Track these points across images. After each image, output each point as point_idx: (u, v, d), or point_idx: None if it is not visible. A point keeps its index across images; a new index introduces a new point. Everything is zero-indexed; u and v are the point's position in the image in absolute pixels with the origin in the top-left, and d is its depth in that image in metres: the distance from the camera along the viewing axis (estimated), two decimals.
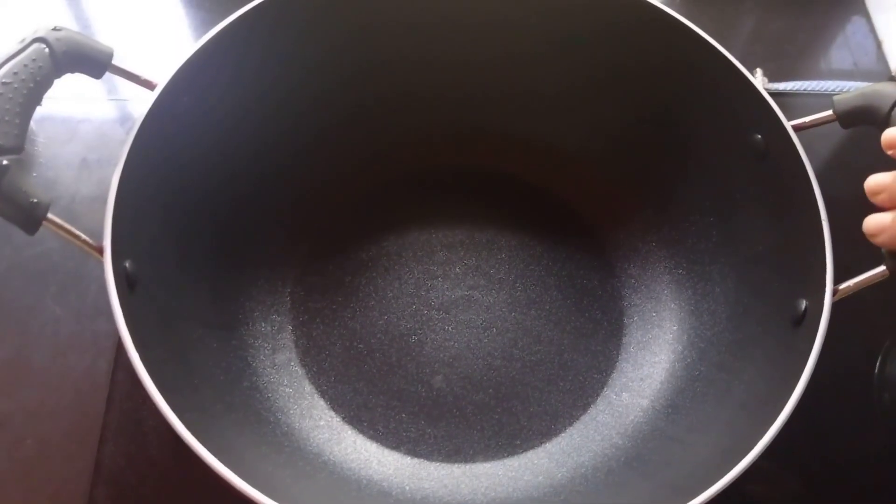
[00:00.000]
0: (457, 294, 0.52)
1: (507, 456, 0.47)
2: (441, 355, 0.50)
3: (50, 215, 0.37)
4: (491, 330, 0.51)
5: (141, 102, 0.42)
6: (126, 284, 0.38)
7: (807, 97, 0.61)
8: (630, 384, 0.49)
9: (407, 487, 0.45)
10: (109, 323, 0.47)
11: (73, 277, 0.52)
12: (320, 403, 0.48)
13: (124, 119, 0.59)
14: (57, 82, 0.38)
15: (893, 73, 0.63)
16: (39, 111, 0.38)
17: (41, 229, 0.37)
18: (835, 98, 0.42)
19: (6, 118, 0.36)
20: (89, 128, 0.58)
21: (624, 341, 0.51)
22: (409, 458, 0.47)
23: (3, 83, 0.36)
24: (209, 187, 0.47)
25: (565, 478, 0.46)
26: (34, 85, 0.37)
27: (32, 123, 0.37)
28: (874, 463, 0.49)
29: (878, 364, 0.51)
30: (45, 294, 0.51)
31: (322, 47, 0.50)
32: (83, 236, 0.38)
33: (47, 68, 0.37)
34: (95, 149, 0.57)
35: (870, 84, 0.41)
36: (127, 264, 0.39)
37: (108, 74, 0.41)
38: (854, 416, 0.50)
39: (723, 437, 0.41)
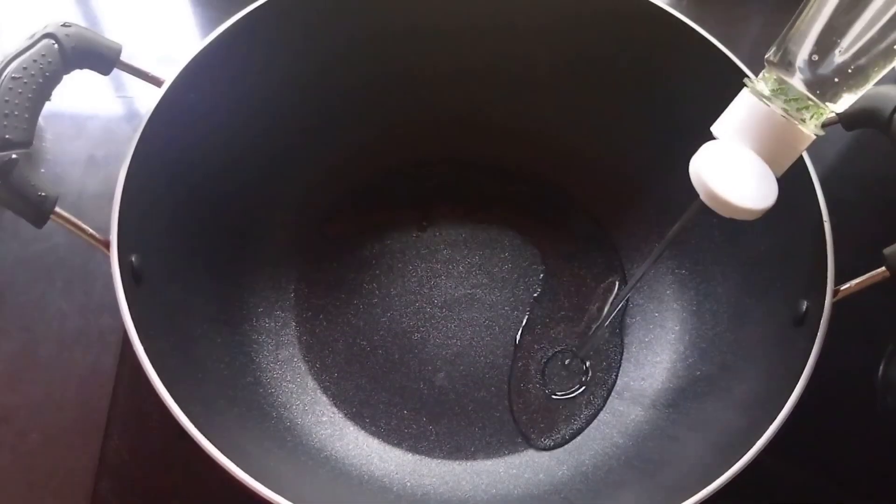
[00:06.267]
0: (459, 292, 0.52)
1: (508, 454, 0.47)
2: (443, 353, 0.50)
3: (58, 209, 0.37)
4: (493, 328, 0.51)
5: (147, 100, 0.42)
6: (132, 278, 0.39)
7: None
8: (631, 383, 0.49)
9: (408, 483, 0.46)
10: (115, 318, 0.48)
11: (80, 273, 0.52)
12: (323, 399, 0.48)
13: (131, 116, 0.59)
14: (65, 78, 0.39)
15: None
16: (47, 107, 0.38)
17: (49, 224, 0.38)
18: None
19: (15, 113, 0.36)
20: (96, 124, 0.58)
21: (626, 341, 0.51)
22: (410, 454, 0.47)
23: (13, 78, 0.36)
24: (215, 183, 0.47)
25: (566, 476, 0.46)
26: (43, 80, 0.37)
27: (40, 119, 0.38)
28: (877, 466, 0.49)
29: (881, 367, 0.51)
30: (51, 289, 0.52)
31: (328, 44, 0.50)
32: (90, 230, 0.38)
33: (56, 64, 0.38)
34: (102, 145, 0.57)
35: (873, 87, 0.41)
36: (133, 258, 0.39)
37: (115, 72, 0.41)
38: (857, 419, 0.50)
39: (723, 437, 0.41)
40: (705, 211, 0.36)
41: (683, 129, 0.51)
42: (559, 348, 0.51)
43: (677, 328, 0.51)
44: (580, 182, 0.56)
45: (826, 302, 0.39)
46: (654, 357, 0.50)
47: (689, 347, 0.49)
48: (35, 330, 0.50)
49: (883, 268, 0.39)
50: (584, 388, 0.50)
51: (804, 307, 0.41)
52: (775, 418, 0.36)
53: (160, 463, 0.46)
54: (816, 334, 0.38)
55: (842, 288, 0.39)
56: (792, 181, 0.43)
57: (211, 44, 0.44)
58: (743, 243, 0.48)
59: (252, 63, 0.47)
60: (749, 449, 0.36)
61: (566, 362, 0.50)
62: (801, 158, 0.42)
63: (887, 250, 0.39)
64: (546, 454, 0.47)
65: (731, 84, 0.46)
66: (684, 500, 0.35)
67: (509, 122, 0.56)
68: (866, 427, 0.50)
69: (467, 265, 0.53)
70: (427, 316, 0.51)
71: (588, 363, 0.50)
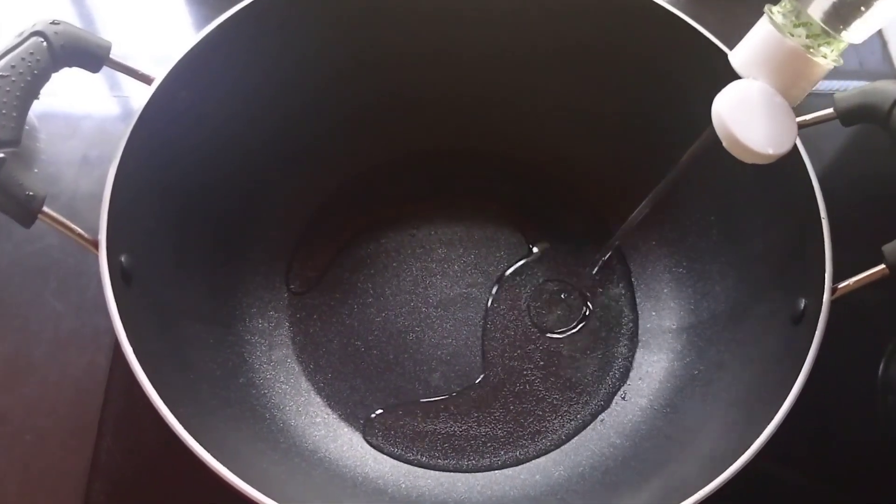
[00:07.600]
0: (455, 291, 0.52)
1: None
2: (439, 353, 0.50)
3: (45, 209, 0.37)
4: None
5: (142, 99, 0.42)
6: (122, 278, 0.38)
7: (810, 96, 0.60)
8: (629, 383, 0.49)
9: (403, 486, 0.45)
10: (109, 319, 0.48)
11: (73, 273, 0.52)
12: (316, 400, 0.48)
13: (126, 115, 0.59)
14: (59, 78, 0.38)
15: None
16: (41, 107, 0.38)
17: (43, 225, 0.37)
18: (835, 96, 0.42)
19: (3, 111, 0.36)
20: (90, 124, 0.58)
21: (623, 340, 0.51)
22: None
23: (1, 76, 0.36)
24: (206, 182, 0.47)
25: (562, 477, 0.46)
26: (31, 78, 0.37)
27: (34, 119, 0.37)
28: (877, 465, 0.48)
29: (881, 366, 0.51)
30: (44, 290, 0.51)
31: (319, 41, 0.50)
32: (78, 230, 0.38)
33: (45, 62, 0.37)
34: (96, 145, 0.57)
35: (870, 82, 0.41)
36: (123, 258, 0.39)
37: (110, 71, 0.41)
38: (857, 419, 0.50)
39: (721, 437, 0.40)
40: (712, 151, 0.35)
41: (683, 124, 0.51)
42: (558, 345, 0.50)
43: (675, 327, 0.50)
44: (579, 179, 0.56)
45: (824, 300, 0.39)
46: (651, 356, 0.50)
47: (686, 346, 0.49)
48: (29, 331, 0.50)
49: (882, 265, 0.38)
50: (583, 387, 0.49)
51: (802, 305, 0.40)
52: (773, 418, 0.36)
53: (153, 464, 0.46)
54: (815, 333, 0.38)
55: (840, 286, 0.39)
56: (790, 178, 0.43)
57: (203, 41, 0.44)
58: (741, 241, 0.48)
59: (244, 60, 0.47)
60: (747, 449, 0.35)
61: (568, 358, 0.50)
62: (798, 154, 0.42)
63: (886, 247, 0.38)
64: (543, 456, 0.47)
65: (729, 80, 0.46)
66: (682, 501, 0.34)
67: (506, 118, 0.56)
68: (866, 426, 0.50)
69: (463, 264, 0.53)
70: (422, 316, 0.51)
71: (588, 360, 0.50)
